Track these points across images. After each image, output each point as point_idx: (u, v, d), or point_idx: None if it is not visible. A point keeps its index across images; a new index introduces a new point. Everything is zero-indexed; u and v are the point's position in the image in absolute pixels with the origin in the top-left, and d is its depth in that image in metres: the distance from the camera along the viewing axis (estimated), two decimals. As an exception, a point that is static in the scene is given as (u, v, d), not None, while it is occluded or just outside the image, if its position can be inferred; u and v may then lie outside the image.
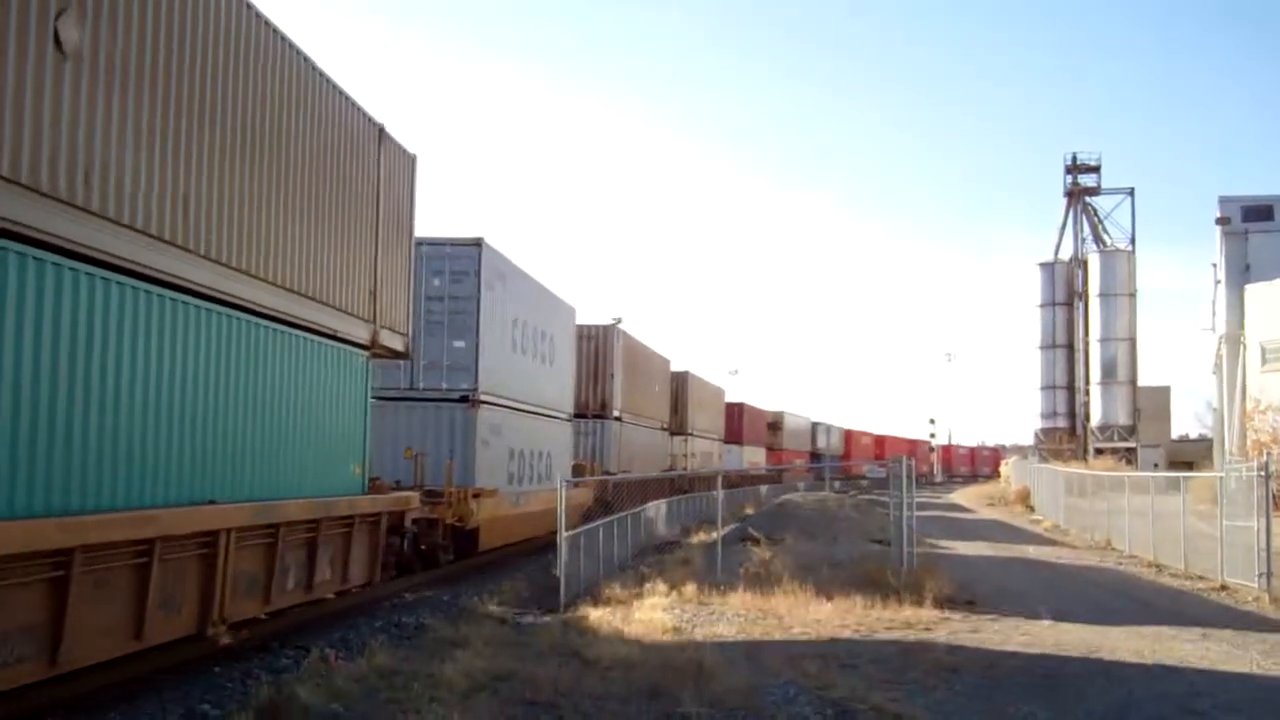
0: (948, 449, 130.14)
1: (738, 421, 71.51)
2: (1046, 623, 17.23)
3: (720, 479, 30.10)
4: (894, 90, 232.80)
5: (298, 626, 15.88)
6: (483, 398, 24.45)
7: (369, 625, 16.96)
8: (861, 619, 16.83)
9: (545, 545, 27.89)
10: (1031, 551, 29.53)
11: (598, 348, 40.25)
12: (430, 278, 24.20)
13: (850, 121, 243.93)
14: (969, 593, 19.82)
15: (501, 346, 25.51)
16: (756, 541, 26.06)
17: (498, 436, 25.17)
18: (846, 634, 15.41)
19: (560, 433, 31.77)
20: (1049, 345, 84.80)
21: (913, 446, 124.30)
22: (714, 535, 25.04)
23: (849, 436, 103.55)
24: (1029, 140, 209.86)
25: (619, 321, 42.55)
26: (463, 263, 24.84)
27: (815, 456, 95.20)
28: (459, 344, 24.70)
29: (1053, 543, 32.29)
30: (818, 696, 11.74)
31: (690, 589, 19.35)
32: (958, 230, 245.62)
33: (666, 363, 51.71)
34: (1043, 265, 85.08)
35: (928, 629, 16.38)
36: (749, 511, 40.23)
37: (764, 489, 60.63)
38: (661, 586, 19.59)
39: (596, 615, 16.65)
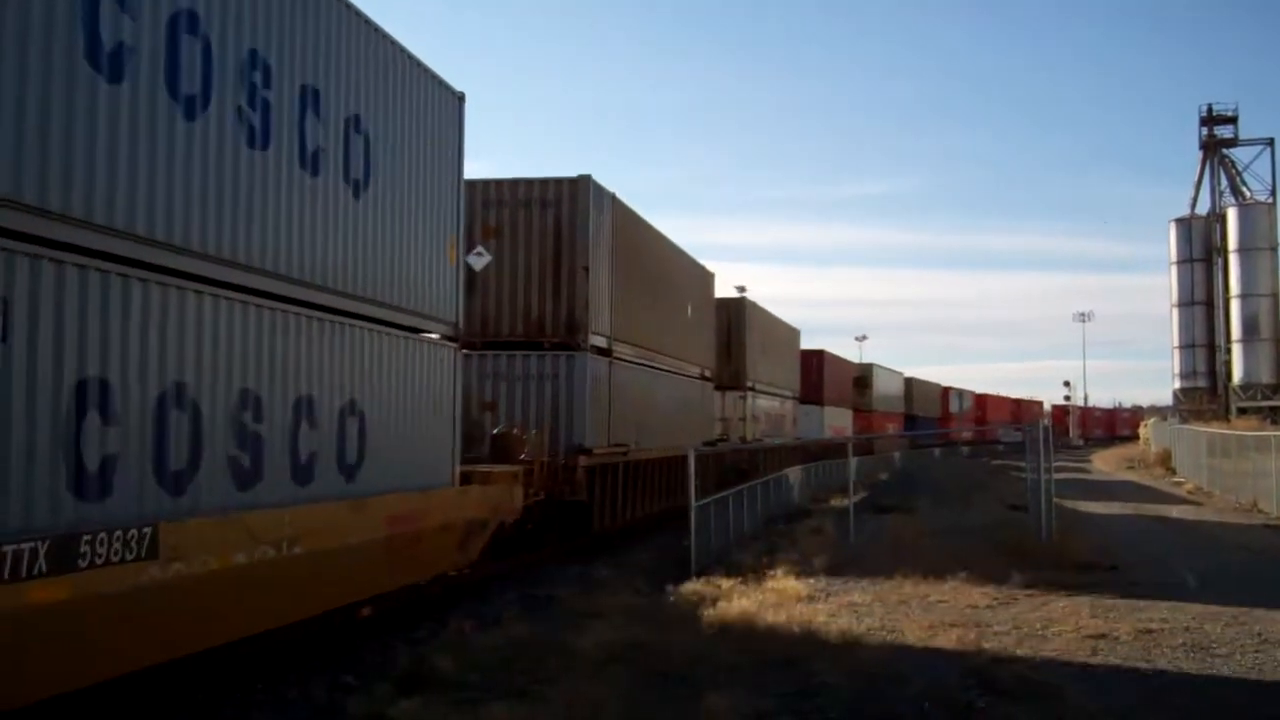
0: (1061, 410, 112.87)
1: (817, 375, 58.32)
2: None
3: (851, 446, 30.13)
4: (1019, 40, 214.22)
5: (432, 600, 16.11)
6: None
7: (502, 597, 17.20)
8: (999, 583, 16.19)
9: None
10: None
11: (558, 221, 23.79)
12: None
13: (978, 70, 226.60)
14: (1111, 558, 19.37)
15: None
16: (888, 510, 26.28)
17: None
18: (986, 601, 14.94)
19: (408, 366, 15.25)
20: (1186, 303, 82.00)
21: (1018, 407, 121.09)
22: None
23: (945, 396, 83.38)
24: (1160, 92, 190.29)
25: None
26: None
27: (910, 420, 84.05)
28: None
29: None
30: (958, 663, 11.40)
31: (823, 558, 19.30)
32: (1085, 185, 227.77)
33: (708, 276, 37.39)
34: (1178, 221, 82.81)
35: (1069, 594, 15.68)
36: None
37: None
38: (794, 555, 19.83)
39: (728, 585, 16.54)
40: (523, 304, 23.01)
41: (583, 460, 22.08)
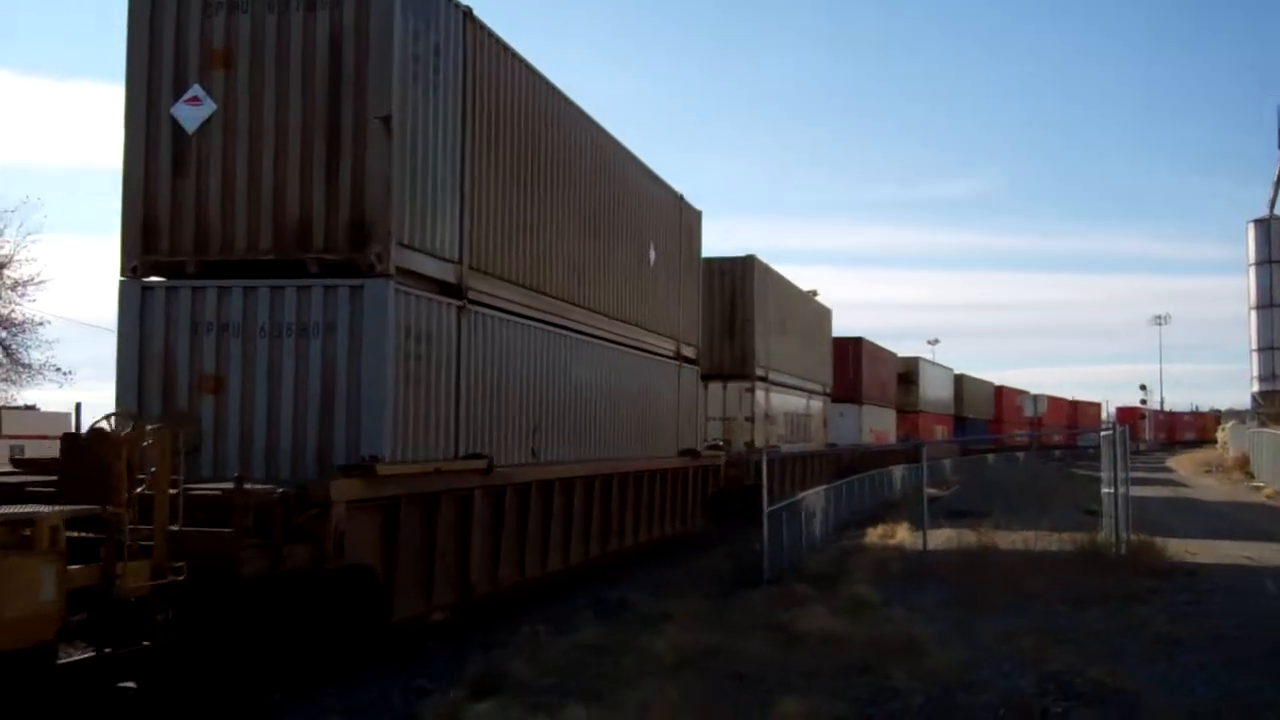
0: (1133, 413, 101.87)
1: (854, 368, 46.33)
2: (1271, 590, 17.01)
3: (924, 451, 25.88)
4: (1095, 38, 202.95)
5: (505, 604, 15.49)
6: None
7: (574, 602, 16.62)
8: (1075, 591, 15.66)
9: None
10: None
11: (335, 35, 12.04)
12: None
13: (1055, 69, 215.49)
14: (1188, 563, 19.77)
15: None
16: (961, 515, 24.67)
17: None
18: (1061, 606, 14.63)
19: None
20: (1265, 305, 72.47)
21: (1075, 410, 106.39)
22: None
23: (999, 396, 72.46)
24: (1241, 90, 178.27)
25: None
26: None
27: (960, 422, 71.75)
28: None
29: None
30: (1034, 670, 11.09)
31: (896, 564, 19.08)
32: (1163, 186, 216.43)
33: (690, 214, 25.51)
34: (1256, 222, 73.94)
35: (1144, 600, 15.37)
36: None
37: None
38: (865, 561, 19.33)
39: (801, 590, 16.17)
40: (271, 193, 11.64)
41: (347, 489, 10.29)
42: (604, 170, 19.66)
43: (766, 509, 19.03)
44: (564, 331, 17.47)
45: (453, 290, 13.68)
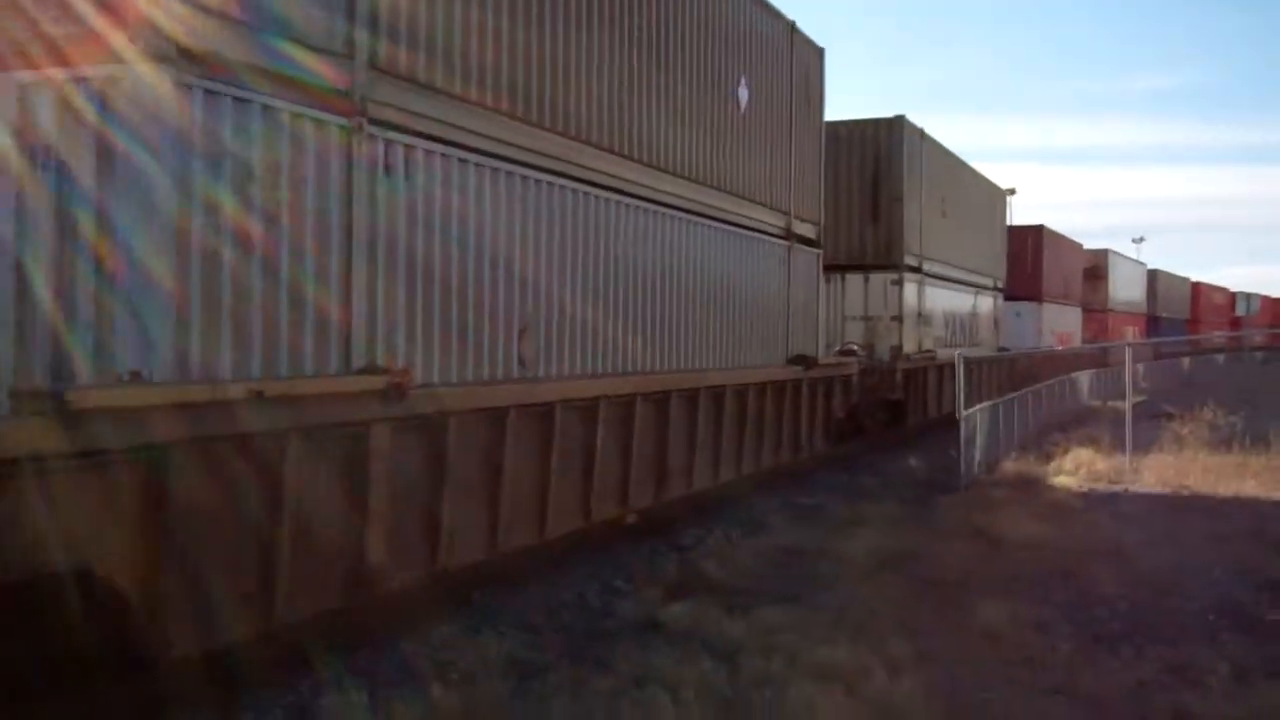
0: None
1: (1033, 261, 39.79)
2: None
3: (1129, 351, 23.61)
4: None
5: (696, 508, 15.04)
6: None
7: (766, 504, 16.28)
8: None
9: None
10: None
11: None
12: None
13: None
14: None
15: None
16: (1170, 416, 22.74)
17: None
18: (1276, 511, 14.67)
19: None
20: None
21: (1277, 307, 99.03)
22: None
23: (1197, 294, 62.41)
24: None
25: None
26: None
27: (1153, 323, 63.15)
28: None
29: None
30: (1246, 577, 10.89)
31: (1099, 466, 18.96)
32: None
33: (804, 50, 18.11)
34: None
35: None
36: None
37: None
38: (1068, 464, 19.28)
39: (998, 495, 16.11)
40: None
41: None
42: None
43: (962, 411, 18.52)
44: (587, 187, 11.50)
45: (338, 103, 8.01)
